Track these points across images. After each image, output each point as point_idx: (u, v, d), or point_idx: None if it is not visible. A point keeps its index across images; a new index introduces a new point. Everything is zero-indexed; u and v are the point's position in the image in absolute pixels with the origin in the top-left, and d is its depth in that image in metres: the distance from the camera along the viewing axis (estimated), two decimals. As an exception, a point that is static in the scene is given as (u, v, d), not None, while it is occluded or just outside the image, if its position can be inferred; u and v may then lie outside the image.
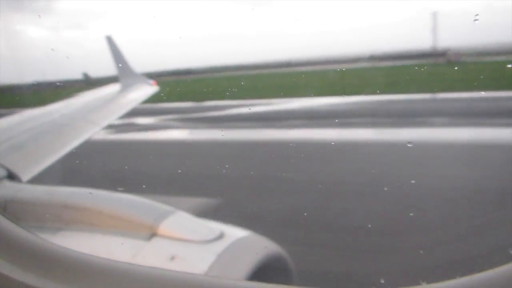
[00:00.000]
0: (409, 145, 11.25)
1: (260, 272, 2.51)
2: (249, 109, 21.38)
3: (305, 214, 6.95)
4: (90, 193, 3.21)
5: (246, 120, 19.87)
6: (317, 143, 13.74)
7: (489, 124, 14.87)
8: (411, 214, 6.59)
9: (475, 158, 10.44)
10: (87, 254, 1.77)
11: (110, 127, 7.11)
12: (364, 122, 17.21)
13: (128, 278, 1.64)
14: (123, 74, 10.90)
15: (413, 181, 7.88)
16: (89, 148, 6.37)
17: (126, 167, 11.25)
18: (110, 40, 11.39)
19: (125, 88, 9.99)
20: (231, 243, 2.63)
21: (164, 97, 19.67)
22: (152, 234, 2.64)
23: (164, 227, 2.67)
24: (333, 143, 13.20)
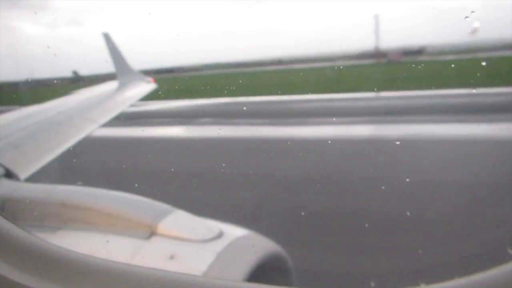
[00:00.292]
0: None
1: (259, 271, 2.50)
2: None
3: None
4: (88, 191, 3.20)
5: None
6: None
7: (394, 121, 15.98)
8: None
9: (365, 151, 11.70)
10: (85, 255, 1.76)
11: (108, 124, 7.07)
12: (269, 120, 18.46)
13: (127, 279, 1.62)
14: (121, 72, 10.85)
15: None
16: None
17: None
18: (107, 37, 11.33)
19: (122, 86, 9.95)
20: (231, 242, 2.62)
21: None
22: (151, 233, 2.63)
23: (163, 226, 2.65)
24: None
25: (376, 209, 7.23)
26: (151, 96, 10.47)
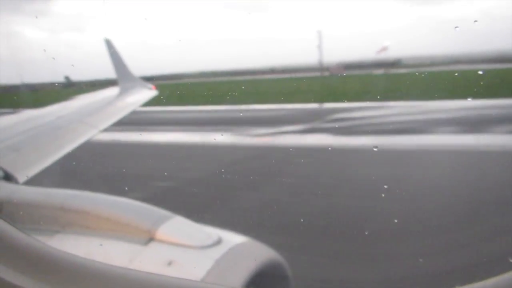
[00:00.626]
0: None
1: (258, 278, 2.49)
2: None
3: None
4: (87, 195, 3.19)
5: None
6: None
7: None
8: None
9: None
10: (83, 258, 1.75)
11: (108, 130, 7.09)
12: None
13: (125, 283, 1.62)
14: (122, 78, 10.88)
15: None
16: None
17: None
18: (109, 43, 11.38)
19: (123, 92, 9.97)
20: (229, 249, 2.61)
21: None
22: (150, 239, 2.62)
23: (162, 232, 2.65)
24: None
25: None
26: (152, 103, 10.54)
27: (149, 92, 10.48)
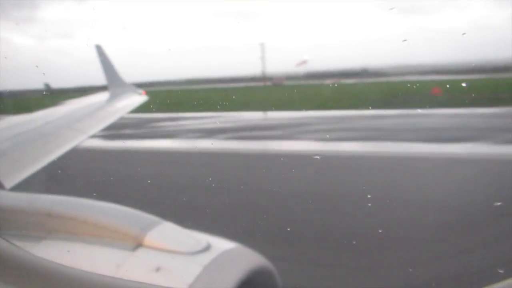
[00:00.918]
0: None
1: (247, 285, 2.48)
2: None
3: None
4: (75, 201, 3.16)
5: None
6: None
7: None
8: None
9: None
10: (68, 267, 1.73)
11: (97, 136, 7.04)
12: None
13: None
14: (112, 83, 10.84)
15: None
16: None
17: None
18: (99, 49, 11.35)
19: (113, 97, 9.92)
20: (218, 255, 2.59)
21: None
22: (138, 245, 2.59)
23: (150, 238, 2.63)
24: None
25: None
26: (142, 108, 10.56)
27: (140, 98, 10.45)
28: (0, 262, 1.73)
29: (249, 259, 2.74)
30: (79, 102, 9.47)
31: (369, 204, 7.14)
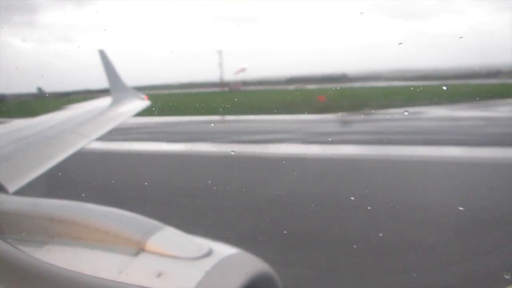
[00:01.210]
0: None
1: None
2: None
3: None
4: (77, 206, 3.17)
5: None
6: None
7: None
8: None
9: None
10: (71, 271, 1.74)
11: (100, 140, 7.07)
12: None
13: None
14: (115, 88, 10.88)
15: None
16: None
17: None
18: (102, 54, 11.39)
19: (116, 102, 9.96)
20: (220, 260, 2.59)
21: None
22: (140, 250, 2.60)
23: (152, 243, 2.63)
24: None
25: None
26: (144, 113, 10.61)
27: (142, 102, 10.48)
28: (3, 266, 1.74)
29: (251, 264, 2.74)
30: (82, 106, 9.51)
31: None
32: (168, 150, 18.27)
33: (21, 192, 3.84)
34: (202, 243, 2.77)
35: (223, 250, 2.77)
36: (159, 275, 2.41)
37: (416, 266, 5.97)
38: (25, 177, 4.14)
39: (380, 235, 6.83)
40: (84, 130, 6.72)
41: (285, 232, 7.35)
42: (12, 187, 3.77)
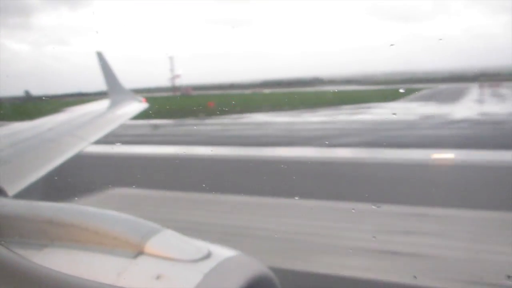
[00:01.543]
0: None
1: None
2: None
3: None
4: (76, 209, 3.16)
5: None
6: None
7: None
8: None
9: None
10: (70, 275, 1.74)
11: (98, 142, 7.07)
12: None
13: None
14: (113, 90, 10.88)
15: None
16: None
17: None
18: (100, 56, 11.39)
19: (114, 104, 9.96)
20: (219, 262, 2.60)
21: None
22: (139, 252, 2.60)
23: (151, 245, 2.63)
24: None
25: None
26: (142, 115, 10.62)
27: (140, 105, 10.49)
28: (1, 270, 1.74)
29: (250, 267, 2.74)
30: (80, 109, 9.51)
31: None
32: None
33: (20, 195, 3.84)
34: (201, 246, 2.77)
35: (222, 252, 2.77)
36: (158, 277, 2.42)
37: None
38: (24, 181, 4.14)
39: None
40: (83, 132, 6.73)
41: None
42: (11, 190, 3.77)
